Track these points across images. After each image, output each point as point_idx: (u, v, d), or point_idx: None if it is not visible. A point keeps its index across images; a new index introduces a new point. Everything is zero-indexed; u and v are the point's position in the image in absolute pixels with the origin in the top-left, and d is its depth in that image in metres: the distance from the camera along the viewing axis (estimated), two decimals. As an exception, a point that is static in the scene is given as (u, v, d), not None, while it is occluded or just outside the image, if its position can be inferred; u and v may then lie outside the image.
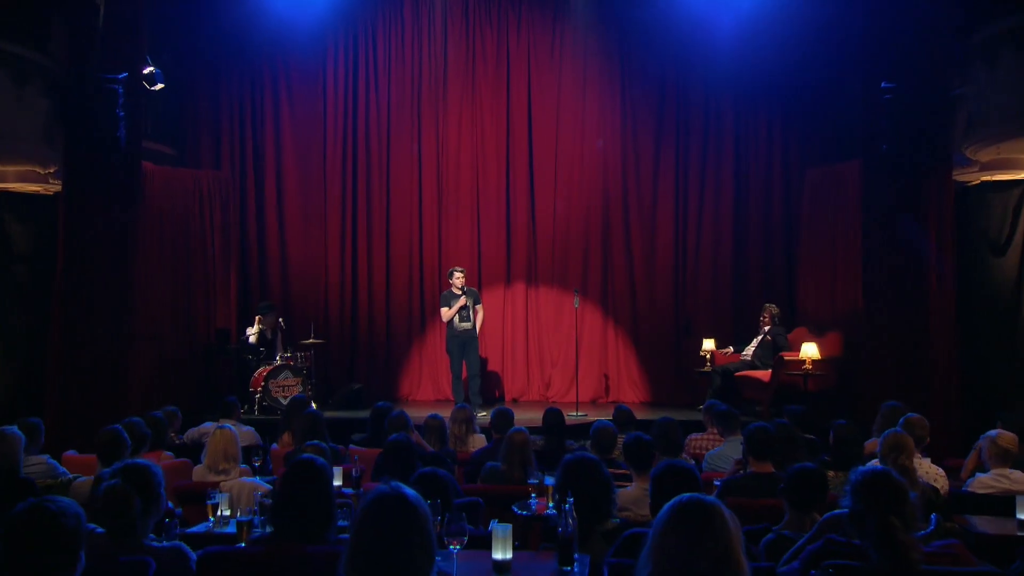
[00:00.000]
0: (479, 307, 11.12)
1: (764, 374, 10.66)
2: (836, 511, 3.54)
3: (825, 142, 11.86)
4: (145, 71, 9.68)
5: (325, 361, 12.13)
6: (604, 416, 10.15)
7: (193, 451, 6.93)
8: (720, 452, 6.58)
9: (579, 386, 11.51)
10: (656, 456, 5.28)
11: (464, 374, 11.10)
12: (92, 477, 5.04)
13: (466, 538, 3.41)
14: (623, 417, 7.37)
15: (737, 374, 10.98)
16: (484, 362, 11.92)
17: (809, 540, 3.48)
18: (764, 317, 11.19)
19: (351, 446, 6.88)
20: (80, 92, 8.92)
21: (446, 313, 10.96)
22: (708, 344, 11.40)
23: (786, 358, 10.30)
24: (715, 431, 7.21)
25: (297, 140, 12.64)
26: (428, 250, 12.65)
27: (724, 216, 12.38)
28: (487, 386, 12.01)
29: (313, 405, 8.45)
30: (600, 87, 12.55)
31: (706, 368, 11.28)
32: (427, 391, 12.55)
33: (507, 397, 12.49)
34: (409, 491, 2.57)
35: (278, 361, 10.87)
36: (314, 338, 11.25)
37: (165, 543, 3.54)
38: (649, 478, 4.90)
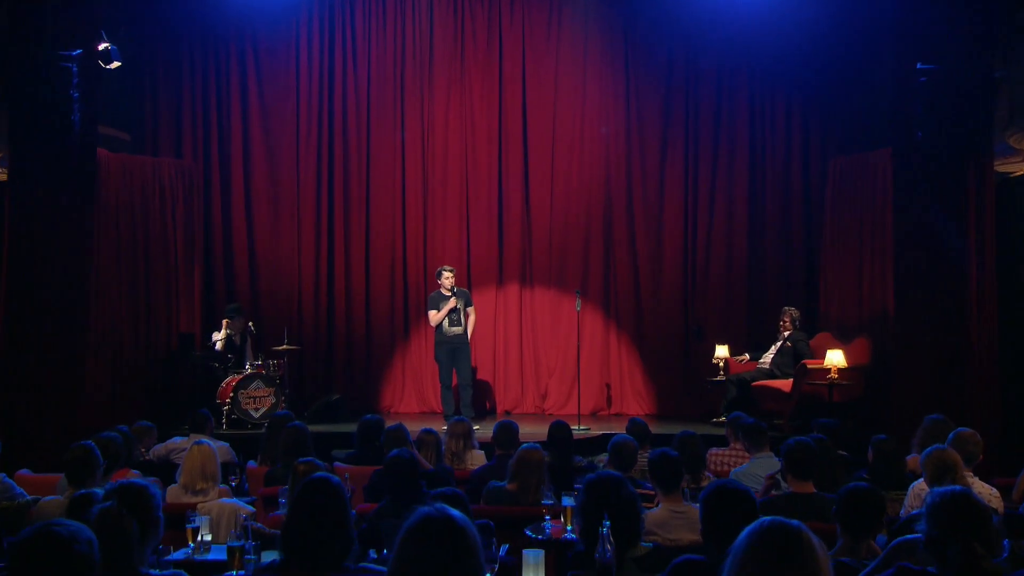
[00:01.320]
0: (470, 310, 11.11)
1: (784, 384, 10.66)
2: (908, 536, 3.49)
3: (851, 128, 11.82)
4: (100, 48, 9.56)
5: (299, 369, 12.10)
6: (608, 430, 10.41)
7: (161, 469, 6.93)
8: (747, 470, 6.58)
9: (582, 397, 11.49)
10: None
11: (454, 383, 11.08)
12: (58, 497, 4.98)
13: (496, 565, 3.35)
14: (639, 431, 7.36)
15: (754, 384, 10.99)
16: (474, 371, 11.86)
17: (877, 568, 3.43)
18: (783, 321, 11.20)
19: (336, 463, 6.81)
20: (28, 70, 8.81)
21: (434, 317, 10.91)
22: (721, 351, 11.42)
23: (809, 366, 10.32)
24: (739, 446, 7.22)
25: (267, 126, 12.57)
26: (412, 247, 12.63)
27: (738, 210, 12.37)
28: (477, 397, 11.92)
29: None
30: (602, 69, 12.54)
31: (719, 377, 11.30)
32: (411, 402, 12.54)
33: (499, 409, 12.50)
34: (456, 513, 2.53)
35: (248, 369, 10.81)
36: (288, 344, 11.20)
37: (166, 573, 3.52)
38: (682, 498, 4.96)
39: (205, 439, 5.92)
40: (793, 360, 10.83)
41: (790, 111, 12.35)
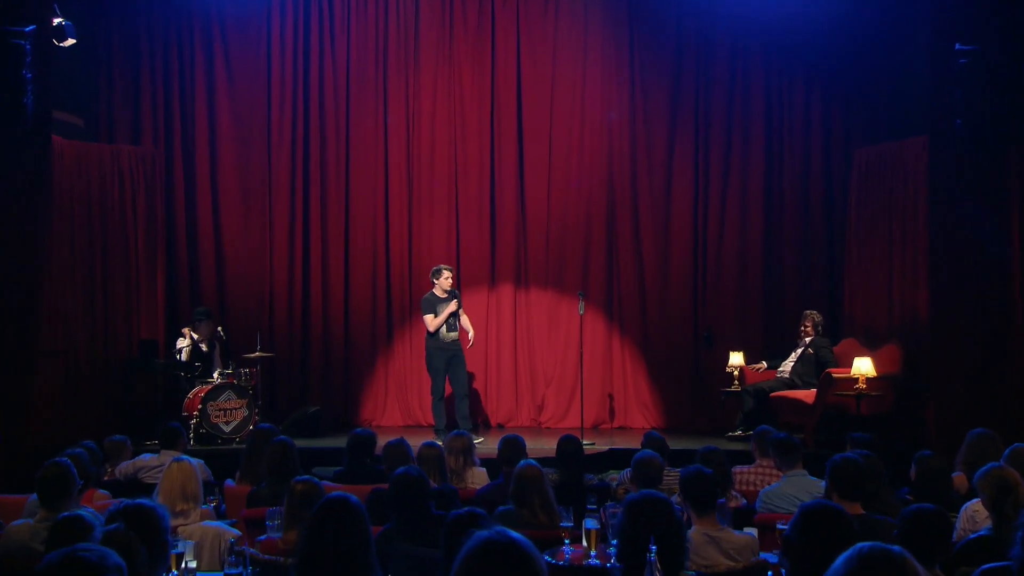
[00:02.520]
0: (461, 312, 11.10)
1: (806, 395, 10.63)
2: (996, 563, 3.43)
3: (880, 115, 11.79)
4: (53, 23, 9.44)
5: (271, 379, 12.05)
6: (613, 445, 10.57)
7: (127, 489, 6.86)
8: (778, 490, 6.48)
9: (583, 409, 11.47)
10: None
11: (447, 393, 11.07)
12: (28, 521, 4.92)
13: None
14: (658, 446, 7.25)
15: (773, 394, 10.97)
16: (471, 377, 11.92)
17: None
18: (805, 326, 11.17)
19: (324, 482, 6.69)
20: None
21: (434, 322, 10.89)
22: (736, 359, 11.42)
23: (835, 375, 10.29)
24: (768, 463, 7.17)
25: (236, 111, 12.52)
26: (396, 245, 12.61)
27: (753, 205, 12.35)
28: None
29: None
30: (604, 49, 12.54)
31: (734, 387, 11.30)
32: (394, 414, 12.54)
33: (492, 422, 12.48)
34: (520, 537, 2.47)
35: (217, 379, 10.73)
36: (261, 351, 11.12)
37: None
38: (716, 520, 4.96)
39: (185, 457, 5.79)
40: (815, 369, 10.81)
41: (810, 96, 12.31)
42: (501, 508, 5.71)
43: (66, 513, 3.94)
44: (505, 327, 12.53)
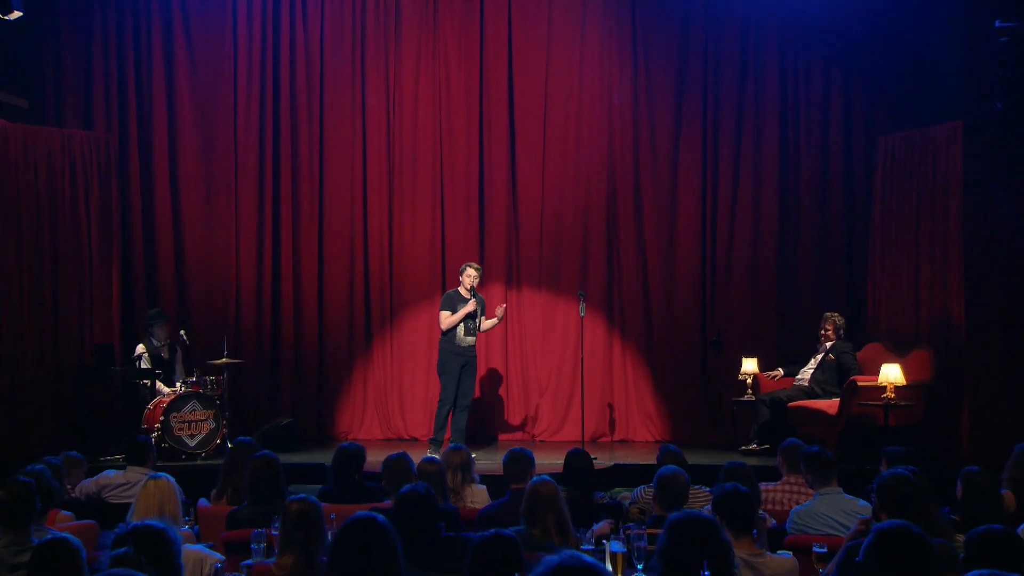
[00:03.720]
0: (483, 319, 11.11)
1: (828, 405, 10.57)
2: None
3: (907, 99, 11.76)
4: (-3, -7, 9.40)
5: (238, 387, 11.97)
6: (616, 460, 10.51)
7: (89, 509, 6.88)
8: (810, 509, 6.41)
9: (584, 420, 11.43)
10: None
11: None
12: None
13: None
14: (675, 460, 7.15)
15: (791, 404, 10.91)
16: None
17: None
18: (825, 330, 11.10)
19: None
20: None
21: (448, 319, 10.90)
22: (749, 365, 11.36)
23: (860, 384, 10.22)
24: (797, 479, 7.13)
25: (197, 92, 12.49)
26: (375, 240, 12.55)
27: (767, 196, 12.30)
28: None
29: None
30: (604, 24, 12.48)
31: (747, 396, 11.24)
32: (373, 427, 12.51)
33: (478, 436, 12.22)
34: (593, 561, 2.46)
35: (181, 388, 10.65)
36: (228, 357, 11.04)
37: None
38: (754, 542, 5.00)
39: (162, 473, 5.72)
40: (837, 376, 10.79)
41: (829, 78, 12.25)
42: (513, 529, 5.52)
43: (48, 537, 3.86)
44: (494, 331, 12.15)
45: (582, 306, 11.16)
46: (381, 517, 3.53)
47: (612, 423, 12.41)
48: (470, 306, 10.84)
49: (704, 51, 12.39)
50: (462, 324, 10.86)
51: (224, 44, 12.41)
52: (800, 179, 12.33)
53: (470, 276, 10.95)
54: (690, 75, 12.42)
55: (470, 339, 10.93)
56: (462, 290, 10.97)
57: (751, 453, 10.78)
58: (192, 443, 10.37)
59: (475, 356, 11.03)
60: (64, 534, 3.93)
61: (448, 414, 10.95)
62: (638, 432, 12.28)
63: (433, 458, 6.91)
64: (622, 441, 12.24)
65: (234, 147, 12.44)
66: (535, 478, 5.77)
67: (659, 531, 4.21)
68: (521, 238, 12.58)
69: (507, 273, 12.55)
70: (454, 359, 10.89)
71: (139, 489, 5.40)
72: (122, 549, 3.32)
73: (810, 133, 12.33)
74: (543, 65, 12.49)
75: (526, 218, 12.55)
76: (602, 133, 12.49)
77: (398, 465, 6.58)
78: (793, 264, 12.31)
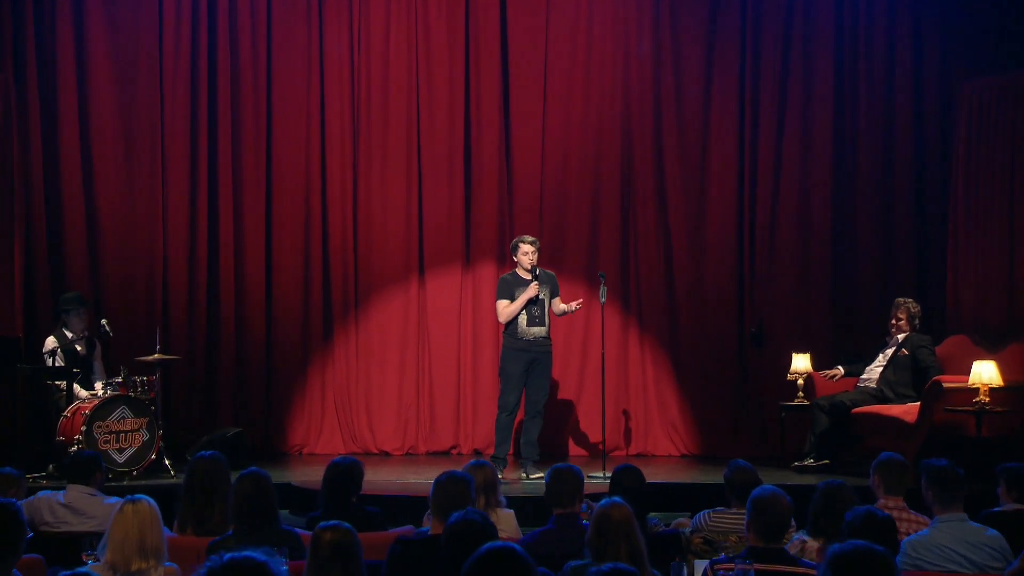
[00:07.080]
0: (556, 300, 10.45)
1: (904, 411, 9.94)
2: None
3: (992, 38, 11.32)
4: None
5: (166, 391, 11.28)
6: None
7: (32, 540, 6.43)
8: (927, 539, 5.90)
9: (604, 431, 10.72)
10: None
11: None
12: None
13: None
14: (749, 479, 6.66)
15: (855, 411, 10.31)
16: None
17: None
18: (898, 320, 10.55)
19: (295, 530, 6.29)
20: None
21: (506, 309, 10.25)
22: (801, 362, 10.92)
23: (946, 385, 9.59)
24: (896, 503, 6.46)
25: (115, 31, 11.83)
26: (335, 212, 12.08)
27: (818, 157, 11.81)
28: (433, 428, 11.79)
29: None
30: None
31: (798, 400, 10.78)
32: (334, 439, 11.99)
33: (465, 448, 11.96)
34: None
35: (103, 390, 10.11)
36: (160, 353, 10.39)
37: None
38: None
39: (142, 495, 5.40)
40: (913, 376, 10.26)
41: (894, 14, 11.73)
42: (572, 563, 5.28)
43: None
44: (485, 322, 11.91)
45: (603, 291, 10.40)
46: (518, 547, 3.69)
47: (628, 433, 11.92)
48: (531, 290, 10.14)
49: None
50: (524, 312, 10.15)
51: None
52: (859, 134, 11.88)
53: (527, 253, 10.21)
54: (724, 15, 11.97)
55: (537, 330, 10.22)
56: (520, 271, 10.30)
57: (807, 470, 10.22)
58: (121, 459, 9.80)
59: (548, 350, 10.32)
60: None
61: (510, 424, 10.37)
62: (660, 444, 11.85)
63: (462, 474, 6.36)
64: (640, 455, 11.66)
65: (160, 97, 11.81)
66: (605, 500, 5.44)
67: (774, 567, 4.63)
68: (516, 209, 12.11)
69: (499, 252, 11.91)
70: (517, 356, 10.23)
71: (115, 515, 5.17)
72: None
73: (872, 77, 11.83)
74: (543, 5, 12.05)
75: (522, 184, 12.11)
76: (615, 80, 12.03)
77: (455, 487, 6.07)
78: (851, 240, 11.91)
